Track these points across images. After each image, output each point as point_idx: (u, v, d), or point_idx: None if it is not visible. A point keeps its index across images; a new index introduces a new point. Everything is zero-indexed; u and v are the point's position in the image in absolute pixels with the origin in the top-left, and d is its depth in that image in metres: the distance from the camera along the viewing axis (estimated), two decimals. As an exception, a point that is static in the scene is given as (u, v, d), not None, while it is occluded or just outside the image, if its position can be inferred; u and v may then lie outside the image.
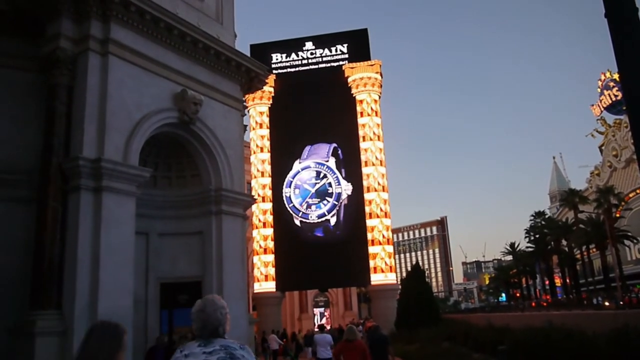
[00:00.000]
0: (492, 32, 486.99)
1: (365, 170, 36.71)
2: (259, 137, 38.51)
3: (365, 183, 36.52)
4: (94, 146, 11.62)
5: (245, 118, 18.52)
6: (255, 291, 35.58)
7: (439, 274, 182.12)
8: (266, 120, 38.65)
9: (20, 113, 12.19)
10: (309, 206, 36.83)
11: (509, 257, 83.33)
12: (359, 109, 37.67)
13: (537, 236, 63.21)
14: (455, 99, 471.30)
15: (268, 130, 38.47)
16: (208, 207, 14.67)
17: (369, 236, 35.75)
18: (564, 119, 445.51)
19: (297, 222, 36.74)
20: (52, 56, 11.89)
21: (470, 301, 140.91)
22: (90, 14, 12.11)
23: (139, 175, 12.38)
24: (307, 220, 36.64)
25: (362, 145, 37.10)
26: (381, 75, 38.55)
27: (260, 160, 38.01)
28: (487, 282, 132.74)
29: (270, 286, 36.02)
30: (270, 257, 36.55)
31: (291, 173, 37.40)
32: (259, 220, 37.16)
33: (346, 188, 36.62)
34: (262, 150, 38.25)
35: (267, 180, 37.64)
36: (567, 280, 62.50)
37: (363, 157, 36.92)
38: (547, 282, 66.09)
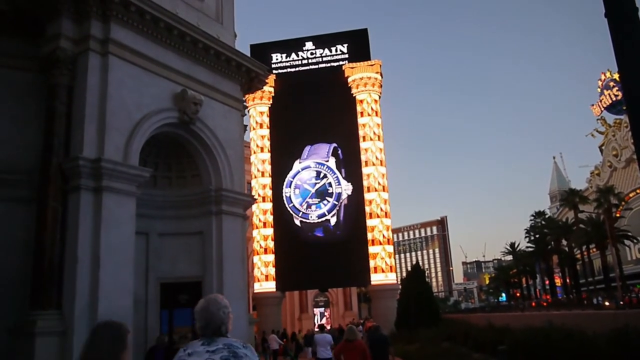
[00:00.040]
0: (492, 32, 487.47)
1: (365, 170, 36.72)
2: (259, 137, 38.53)
3: (365, 183, 36.53)
4: (94, 146, 11.62)
5: (245, 118, 18.54)
6: (255, 291, 35.59)
7: (439, 274, 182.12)
8: (266, 120, 38.66)
9: (20, 113, 12.19)
10: (309, 206, 36.84)
11: (509, 257, 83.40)
12: (359, 108, 37.68)
13: (537, 236, 63.24)
14: (455, 99, 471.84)
15: (268, 130, 38.49)
16: (208, 207, 14.67)
17: (369, 236, 35.76)
18: (564, 119, 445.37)
19: (297, 222, 36.75)
20: (52, 56, 11.89)
21: (471, 301, 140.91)
22: (90, 14, 12.11)
23: (139, 175, 12.38)
24: (307, 220, 36.65)
25: (363, 145, 37.11)
26: (381, 75, 38.56)
27: (260, 160, 38.03)
28: (487, 282, 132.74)
29: (270, 286, 36.03)
30: (271, 257, 36.56)
31: (291, 173, 37.42)
32: (259, 220, 37.17)
33: (346, 188, 36.63)
34: (262, 150, 38.27)
35: (267, 180, 37.66)
36: (567, 280, 62.50)
37: (363, 157, 36.93)
38: (547, 282, 66.10)
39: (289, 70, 39.37)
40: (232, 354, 2.86)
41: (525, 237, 66.26)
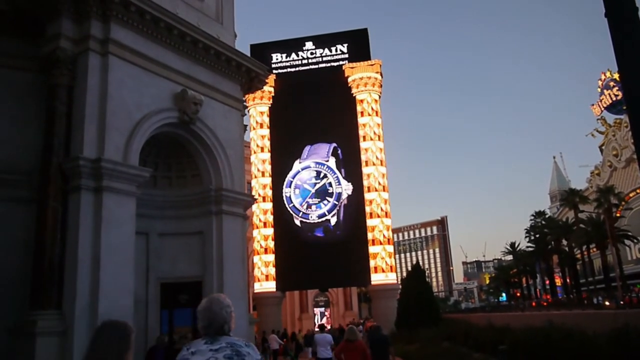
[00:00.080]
0: (492, 32, 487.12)
1: (365, 170, 36.72)
2: (259, 137, 38.53)
3: (365, 183, 36.53)
4: (94, 146, 11.63)
5: (246, 118, 18.54)
6: (255, 291, 35.60)
7: (439, 274, 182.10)
8: (266, 120, 38.67)
9: (20, 113, 12.19)
10: (309, 206, 36.84)
11: (510, 257, 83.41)
12: (359, 108, 37.68)
13: (538, 236, 63.24)
14: (455, 99, 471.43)
15: (268, 130, 38.49)
16: (208, 207, 14.68)
17: (370, 236, 35.76)
18: (564, 119, 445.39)
19: (298, 222, 36.75)
20: (52, 56, 11.89)
21: (471, 301, 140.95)
22: (90, 14, 12.11)
23: (139, 175, 12.39)
24: (308, 220, 36.66)
25: (363, 145, 37.12)
26: (381, 75, 38.55)
27: (260, 160, 38.03)
28: (487, 281, 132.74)
29: (270, 286, 36.04)
30: (271, 257, 36.57)
31: (291, 173, 37.42)
32: (260, 220, 37.18)
33: (346, 188, 36.63)
34: (262, 150, 38.27)
35: (268, 180, 37.67)
36: (568, 280, 62.50)
37: (363, 157, 36.93)
38: (547, 282, 66.11)
39: (289, 70, 39.38)
40: (235, 352, 2.89)
41: (526, 237, 66.31)
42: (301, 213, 36.83)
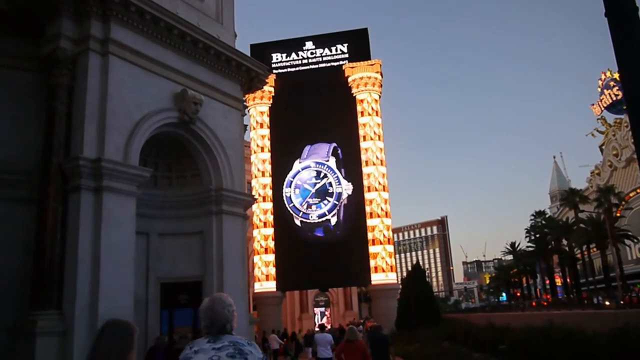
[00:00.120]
0: (492, 32, 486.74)
1: (365, 169, 36.74)
2: (259, 136, 38.55)
3: (365, 182, 36.55)
4: (94, 146, 11.62)
5: (246, 118, 18.54)
6: (255, 291, 35.61)
7: (440, 274, 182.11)
8: (266, 120, 38.69)
9: (20, 113, 12.19)
10: (309, 206, 36.85)
11: (510, 257, 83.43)
12: (359, 108, 37.70)
13: (538, 236, 63.24)
14: (455, 99, 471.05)
15: (268, 130, 38.51)
16: (208, 207, 14.67)
17: (370, 236, 35.78)
18: (564, 119, 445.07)
19: (298, 222, 36.77)
20: (52, 56, 11.89)
21: (471, 301, 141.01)
22: (90, 14, 12.10)
23: (139, 175, 12.38)
24: (308, 220, 36.67)
25: (363, 144, 37.14)
26: (381, 74, 38.57)
27: (260, 160, 38.05)
28: (487, 281, 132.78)
29: (270, 286, 36.05)
30: (271, 257, 36.59)
31: (291, 173, 37.44)
32: (260, 220, 37.20)
33: (346, 188, 36.65)
34: (262, 150, 38.29)
35: (268, 180, 37.69)
36: (568, 280, 62.51)
37: (364, 157, 36.95)
38: (547, 282, 66.09)
39: (289, 70, 39.40)
40: (238, 351, 2.91)
41: (526, 236, 66.31)
42: (301, 213, 36.84)
